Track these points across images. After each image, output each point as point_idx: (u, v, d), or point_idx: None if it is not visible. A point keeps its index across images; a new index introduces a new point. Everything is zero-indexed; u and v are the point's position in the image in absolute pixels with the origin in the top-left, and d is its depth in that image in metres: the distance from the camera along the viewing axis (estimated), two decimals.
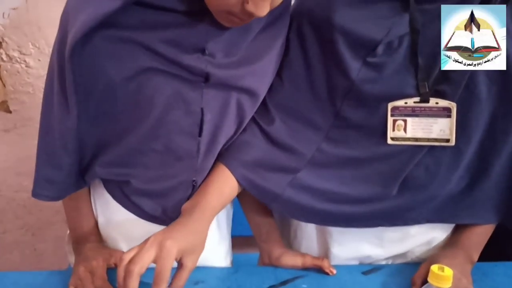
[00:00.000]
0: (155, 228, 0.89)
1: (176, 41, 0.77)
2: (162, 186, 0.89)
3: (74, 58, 0.74)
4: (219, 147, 0.89)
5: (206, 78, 0.80)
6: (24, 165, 1.67)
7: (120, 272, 0.68)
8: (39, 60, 1.52)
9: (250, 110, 0.89)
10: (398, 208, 0.91)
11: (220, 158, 0.91)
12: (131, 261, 0.68)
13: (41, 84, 1.53)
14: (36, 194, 0.87)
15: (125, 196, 0.91)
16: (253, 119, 0.92)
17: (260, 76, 0.87)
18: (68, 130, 0.81)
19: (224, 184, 0.89)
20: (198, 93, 0.81)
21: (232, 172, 0.89)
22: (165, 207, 0.91)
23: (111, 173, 0.89)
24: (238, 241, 1.19)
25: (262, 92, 0.89)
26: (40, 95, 1.54)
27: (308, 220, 0.97)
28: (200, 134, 0.85)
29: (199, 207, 0.82)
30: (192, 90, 0.81)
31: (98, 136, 0.84)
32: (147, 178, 0.88)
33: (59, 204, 1.02)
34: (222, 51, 0.81)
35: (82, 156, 0.86)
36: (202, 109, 0.83)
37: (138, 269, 0.67)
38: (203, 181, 0.89)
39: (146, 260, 0.68)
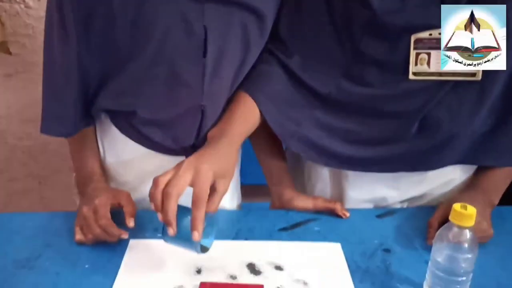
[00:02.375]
0: (165, 161, 0.88)
1: None
2: (170, 114, 0.88)
3: None
4: (224, 71, 0.86)
5: None
6: (28, 111, 1.64)
7: (157, 195, 0.67)
8: (38, 0, 1.46)
9: (257, 33, 0.86)
10: (418, 151, 0.88)
11: (243, 87, 0.89)
12: (168, 184, 0.67)
13: (41, 26, 1.45)
14: (45, 129, 0.87)
15: (133, 128, 0.90)
16: (271, 52, 0.90)
17: None
18: (69, 61, 0.81)
19: (249, 112, 0.87)
20: (199, 10, 0.78)
21: (257, 104, 0.87)
22: (175, 136, 0.90)
23: (117, 104, 0.87)
24: (247, 189, 1.17)
25: (267, 12, 0.85)
26: (41, 38, 1.49)
27: (325, 163, 0.95)
28: (204, 55, 0.82)
29: (227, 133, 0.80)
30: (193, 7, 0.78)
31: (101, 66, 0.83)
32: (154, 107, 0.87)
33: (65, 151, 1.00)
34: None
35: (86, 88, 0.86)
36: (204, 27, 0.80)
37: (176, 192, 0.66)
38: (227, 109, 0.88)
39: (183, 183, 0.67)
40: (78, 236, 0.81)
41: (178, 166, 0.70)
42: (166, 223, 0.67)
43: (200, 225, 0.66)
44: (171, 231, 0.67)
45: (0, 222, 0.89)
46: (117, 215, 0.81)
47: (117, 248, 0.80)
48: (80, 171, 0.92)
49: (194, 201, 0.67)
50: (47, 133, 0.87)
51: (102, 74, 0.84)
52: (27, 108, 1.64)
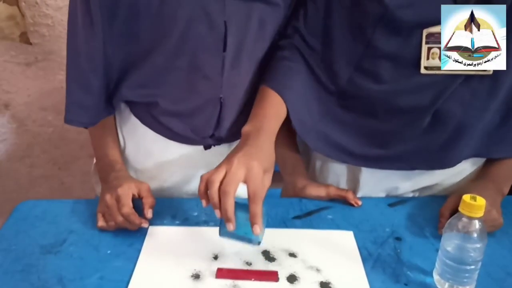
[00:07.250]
0: (184, 151, 0.90)
1: None
2: (190, 105, 0.90)
3: None
4: (243, 64, 0.88)
5: None
6: (47, 99, 1.67)
7: (214, 193, 0.70)
8: None
9: (273, 26, 0.88)
10: (432, 147, 0.89)
11: (269, 83, 0.89)
12: (224, 182, 0.70)
13: (60, 16, 1.50)
14: (69, 120, 0.88)
15: (153, 118, 0.92)
16: (295, 46, 0.90)
17: None
18: (94, 50, 0.82)
19: (280, 110, 0.88)
20: (221, 5, 0.80)
21: (285, 101, 0.88)
22: (195, 127, 0.93)
23: (138, 95, 0.89)
24: None
25: (282, 3, 0.86)
26: (59, 27, 1.52)
27: (341, 159, 0.96)
28: (224, 49, 0.84)
29: (263, 131, 0.81)
30: (215, 3, 0.80)
31: (123, 57, 0.85)
32: (175, 98, 0.89)
33: (84, 138, 1.02)
34: None
35: (109, 78, 0.87)
36: (225, 23, 0.82)
37: (233, 189, 0.70)
38: (256, 105, 0.88)
39: (237, 181, 0.70)
40: (101, 222, 0.83)
41: (228, 163, 0.73)
42: (226, 220, 0.70)
43: (260, 219, 0.70)
44: (231, 226, 0.70)
45: (25, 209, 0.92)
46: (136, 204, 0.83)
47: (137, 234, 0.83)
48: (101, 160, 0.94)
49: (252, 197, 0.70)
50: (71, 124, 0.88)
51: (124, 64, 0.86)
52: (47, 96, 1.66)
